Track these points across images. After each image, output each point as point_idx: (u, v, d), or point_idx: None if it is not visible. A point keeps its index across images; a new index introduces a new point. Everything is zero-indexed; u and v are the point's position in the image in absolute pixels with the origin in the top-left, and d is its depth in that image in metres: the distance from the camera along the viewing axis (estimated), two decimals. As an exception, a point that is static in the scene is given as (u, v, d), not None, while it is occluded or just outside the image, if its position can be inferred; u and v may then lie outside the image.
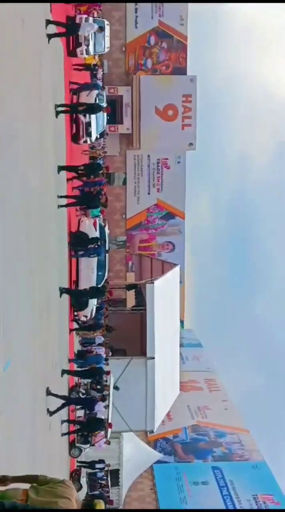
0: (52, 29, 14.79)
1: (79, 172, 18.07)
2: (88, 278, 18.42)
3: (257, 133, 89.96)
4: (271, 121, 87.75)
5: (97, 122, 20.47)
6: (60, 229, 15.60)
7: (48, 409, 12.37)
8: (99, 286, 18.90)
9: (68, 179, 17.33)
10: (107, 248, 20.75)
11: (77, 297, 17.53)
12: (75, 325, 19.98)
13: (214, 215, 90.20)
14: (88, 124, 19.50)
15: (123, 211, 45.99)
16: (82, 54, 19.90)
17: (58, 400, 13.41)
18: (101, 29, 20.59)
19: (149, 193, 46.25)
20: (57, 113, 15.22)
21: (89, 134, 20.01)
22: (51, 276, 13.56)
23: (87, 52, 20.05)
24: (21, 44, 10.14)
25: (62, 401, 13.84)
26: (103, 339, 21.71)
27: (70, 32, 17.64)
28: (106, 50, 25.92)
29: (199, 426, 37.72)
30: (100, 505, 6.18)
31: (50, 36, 14.27)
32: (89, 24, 18.63)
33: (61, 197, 15.62)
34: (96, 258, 18.36)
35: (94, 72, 27.21)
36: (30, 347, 9.98)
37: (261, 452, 35.06)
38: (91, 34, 19.73)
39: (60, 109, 15.66)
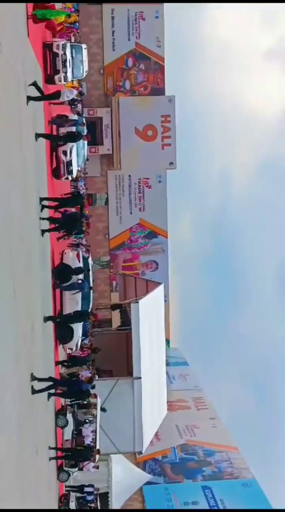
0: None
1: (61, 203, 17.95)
2: (72, 309, 18.36)
3: (237, 151, 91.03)
4: (250, 139, 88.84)
5: (78, 151, 20.52)
6: (43, 254, 15.57)
7: (32, 387, 12.11)
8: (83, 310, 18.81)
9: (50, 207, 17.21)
10: (91, 281, 20.63)
11: (62, 324, 17.39)
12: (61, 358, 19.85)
13: (197, 233, 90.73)
14: (69, 163, 19.58)
15: (106, 231, 46.14)
16: (60, 81, 19.85)
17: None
18: (81, 94, 20.61)
19: (131, 213, 46.49)
20: (37, 136, 15.19)
21: (70, 172, 20.09)
22: (35, 303, 13.50)
23: (66, 79, 20.07)
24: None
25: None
26: (90, 372, 21.48)
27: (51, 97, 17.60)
28: (85, 74, 26.07)
29: (188, 445, 37.48)
30: None
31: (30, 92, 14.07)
32: (69, 91, 18.77)
33: (44, 219, 15.59)
34: (80, 294, 18.34)
35: (73, 106, 27.43)
36: (16, 370, 9.91)
37: (250, 470, 34.88)
38: (69, 61, 19.84)
39: (39, 132, 15.64)
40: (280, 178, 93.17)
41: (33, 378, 12.18)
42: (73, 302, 18.27)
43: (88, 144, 25.57)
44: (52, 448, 16.33)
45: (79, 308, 18.35)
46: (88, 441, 20.02)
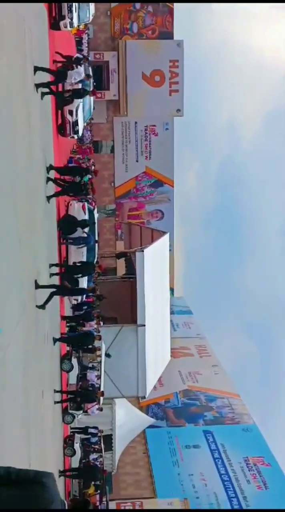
0: None
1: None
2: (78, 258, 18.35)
3: (246, 100, 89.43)
4: (259, 89, 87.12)
5: (84, 108, 20.11)
6: (49, 212, 15.46)
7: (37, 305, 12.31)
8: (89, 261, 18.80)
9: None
10: (96, 234, 20.53)
11: (67, 275, 17.37)
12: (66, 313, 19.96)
13: (203, 182, 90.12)
14: (75, 123, 19.20)
15: (111, 180, 45.76)
16: (66, 27, 19.19)
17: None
18: (88, 76, 19.87)
19: (137, 161, 45.96)
20: (43, 94, 14.72)
21: (76, 132, 19.73)
22: (41, 254, 13.50)
23: (71, 25, 19.42)
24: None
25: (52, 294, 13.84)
26: (95, 328, 21.60)
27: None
28: (91, 18, 25.24)
29: (190, 390, 38.34)
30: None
31: None
32: (76, 72, 18.14)
33: (49, 179, 15.27)
34: (85, 248, 18.27)
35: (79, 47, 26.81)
36: (20, 318, 9.99)
37: (251, 415, 35.74)
38: (75, 5, 19.13)
39: (45, 90, 15.10)
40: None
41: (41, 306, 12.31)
42: (78, 255, 18.25)
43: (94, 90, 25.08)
44: (57, 391, 16.64)
45: (84, 259, 18.36)
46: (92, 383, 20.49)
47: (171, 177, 46.71)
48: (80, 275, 17.77)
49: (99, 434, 23.04)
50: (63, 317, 18.75)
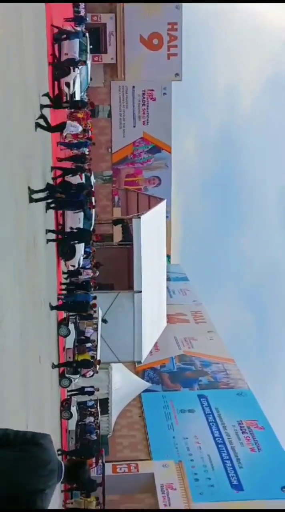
0: None
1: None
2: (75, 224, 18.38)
3: (244, 65, 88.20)
4: (259, 54, 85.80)
5: (81, 77, 19.88)
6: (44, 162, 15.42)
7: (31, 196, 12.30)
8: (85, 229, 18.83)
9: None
10: (93, 200, 20.49)
11: (64, 241, 17.45)
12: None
13: (201, 148, 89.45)
14: (73, 95, 18.99)
15: (108, 145, 45.40)
16: None
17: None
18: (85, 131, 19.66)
19: (134, 126, 45.54)
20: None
21: (73, 104, 19.54)
22: (37, 218, 13.53)
23: None
24: None
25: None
26: (90, 277, 21.71)
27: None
28: None
29: (186, 356, 38.89)
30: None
31: None
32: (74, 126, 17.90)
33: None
34: (82, 213, 18.25)
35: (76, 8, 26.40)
36: (17, 284, 10.07)
37: (245, 380, 36.32)
38: None
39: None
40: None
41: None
42: (75, 221, 18.29)
43: (90, 53, 24.75)
44: (55, 366, 16.88)
45: (81, 225, 18.40)
46: (89, 349, 20.80)
47: (169, 143, 46.33)
48: (76, 241, 17.89)
49: (95, 396, 23.43)
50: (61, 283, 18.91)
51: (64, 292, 19.15)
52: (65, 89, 18.83)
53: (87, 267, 21.10)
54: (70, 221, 17.92)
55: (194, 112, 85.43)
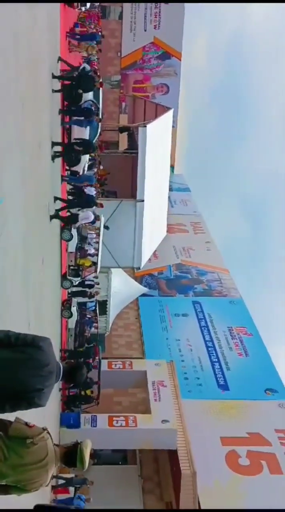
0: None
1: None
2: (81, 136, 18.50)
3: None
4: None
5: None
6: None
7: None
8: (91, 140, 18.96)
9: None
10: (101, 114, 20.43)
11: (69, 147, 17.66)
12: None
13: (210, 59, 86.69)
14: None
15: (118, 49, 44.29)
16: None
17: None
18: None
19: (145, 30, 44.23)
20: None
21: (84, 4, 19.17)
22: (43, 124, 13.74)
23: None
24: None
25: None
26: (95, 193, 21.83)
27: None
28: None
29: (183, 264, 39.97)
30: (86, 445, 5.04)
31: None
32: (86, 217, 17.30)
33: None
34: (88, 127, 18.33)
35: None
36: (22, 188, 10.34)
37: (238, 290, 37.61)
38: None
39: None
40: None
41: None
42: (81, 133, 18.46)
43: None
44: (55, 217, 16.54)
45: (87, 136, 18.57)
46: (91, 251, 21.53)
47: (179, 49, 45.11)
48: (81, 149, 18.13)
49: (94, 297, 24.34)
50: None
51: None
52: None
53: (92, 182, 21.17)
54: (76, 135, 18.15)
55: (206, 20, 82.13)
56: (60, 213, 16.74)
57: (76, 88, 16.82)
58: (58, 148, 16.17)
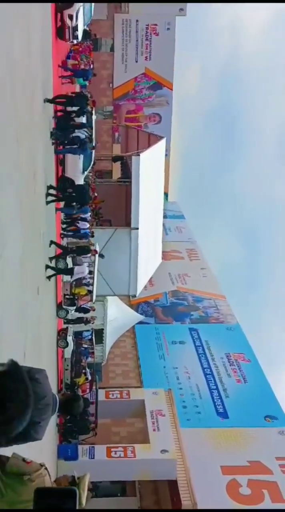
0: None
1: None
2: (74, 166, 18.66)
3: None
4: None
5: (84, 13, 19.83)
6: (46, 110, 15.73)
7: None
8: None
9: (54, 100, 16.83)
10: (93, 142, 20.68)
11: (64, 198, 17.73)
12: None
13: (202, 87, 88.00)
14: (75, 28, 18.93)
15: (110, 80, 44.96)
16: None
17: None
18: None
19: (137, 61, 44.96)
20: None
21: (75, 37, 19.53)
22: (38, 154, 13.92)
23: None
24: None
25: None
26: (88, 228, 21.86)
27: None
28: None
29: (179, 291, 39.96)
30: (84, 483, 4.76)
31: None
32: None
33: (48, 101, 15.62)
34: (82, 156, 18.50)
35: None
36: (17, 218, 10.48)
37: (235, 316, 37.54)
38: None
39: None
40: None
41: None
42: (75, 163, 18.62)
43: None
44: (50, 267, 16.73)
45: (80, 166, 18.72)
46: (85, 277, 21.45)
47: (171, 79, 45.86)
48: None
49: (91, 327, 24.31)
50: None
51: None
52: (68, 21, 18.86)
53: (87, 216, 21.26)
54: (70, 164, 18.30)
55: (197, 49, 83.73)
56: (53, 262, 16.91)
57: (70, 104, 17.09)
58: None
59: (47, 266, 15.85)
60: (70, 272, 18.49)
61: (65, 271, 18.30)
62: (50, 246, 16.31)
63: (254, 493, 22.45)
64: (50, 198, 15.71)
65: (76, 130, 17.26)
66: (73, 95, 18.07)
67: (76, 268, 18.76)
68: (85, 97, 17.68)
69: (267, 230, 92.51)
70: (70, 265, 19.83)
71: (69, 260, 19.64)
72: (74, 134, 17.31)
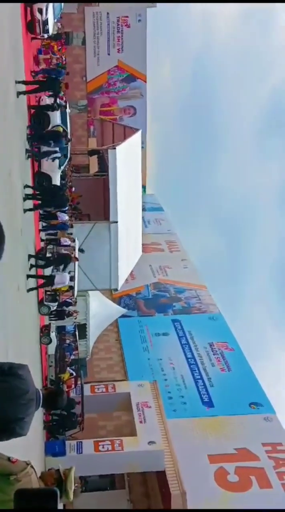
0: None
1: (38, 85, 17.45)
2: (51, 162, 18.58)
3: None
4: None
5: (53, 6, 19.60)
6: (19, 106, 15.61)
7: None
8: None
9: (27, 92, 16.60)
10: (69, 138, 20.59)
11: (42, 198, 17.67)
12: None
13: (176, 79, 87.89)
14: (45, 22, 18.71)
15: (83, 73, 44.67)
16: None
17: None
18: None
19: (109, 54, 44.72)
20: None
21: (46, 31, 19.30)
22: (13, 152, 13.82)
23: None
24: None
25: None
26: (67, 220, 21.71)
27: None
28: None
29: (160, 283, 40.06)
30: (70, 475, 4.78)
31: None
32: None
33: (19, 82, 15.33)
34: (57, 161, 18.41)
35: None
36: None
37: (217, 305, 37.75)
38: None
39: None
40: (265, 26, 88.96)
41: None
42: (51, 166, 18.57)
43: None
44: (31, 276, 16.83)
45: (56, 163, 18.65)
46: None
47: (144, 71, 45.67)
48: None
49: (74, 322, 24.19)
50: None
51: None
52: (38, 15, 18.62)
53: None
54: (46, 167, 18.22)
55: (169, 41, 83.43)
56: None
57: (42, 89, 17.00)
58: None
59: (29, 276, 15.71)
60: (50, 282, 18.39)
61: (46, 283, 18.24)
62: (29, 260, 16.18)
63: (242, 480, 22.69)
64: (28, 201, 15.62)
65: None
66: (45, 79, 17.86)
67: (57, 277, 18.65)
68: (57, 80, 17.55)
69: (246, 219, 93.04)
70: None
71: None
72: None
